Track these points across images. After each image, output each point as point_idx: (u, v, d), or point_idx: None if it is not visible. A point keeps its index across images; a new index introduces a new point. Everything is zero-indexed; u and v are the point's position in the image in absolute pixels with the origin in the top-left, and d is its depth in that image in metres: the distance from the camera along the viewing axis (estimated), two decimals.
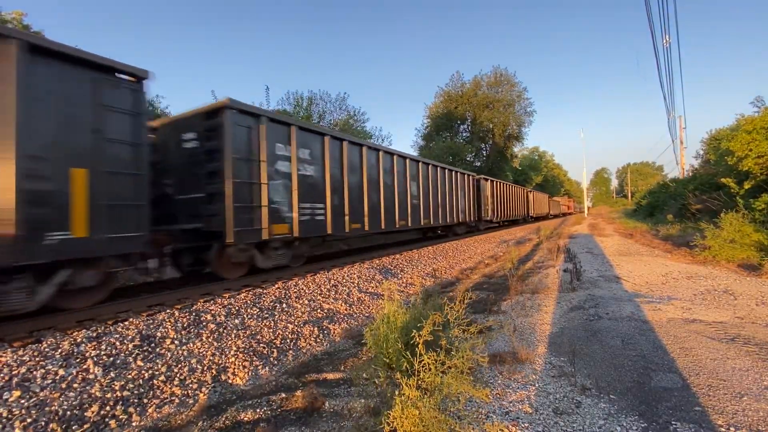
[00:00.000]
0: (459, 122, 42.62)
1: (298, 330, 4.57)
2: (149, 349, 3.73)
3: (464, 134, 43.04)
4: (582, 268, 7.40)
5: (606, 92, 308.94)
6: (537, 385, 2.92)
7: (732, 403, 2.55)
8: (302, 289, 6.17)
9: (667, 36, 17.73)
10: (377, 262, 9.05)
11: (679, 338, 3.77)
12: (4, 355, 3.30)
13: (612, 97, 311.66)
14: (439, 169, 14.14)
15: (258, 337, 4.26)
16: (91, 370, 3.24)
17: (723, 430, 2.27)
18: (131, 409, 2.83)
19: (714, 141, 23.76)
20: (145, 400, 2.96)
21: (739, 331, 3.92)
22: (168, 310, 4.75)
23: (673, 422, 2.36)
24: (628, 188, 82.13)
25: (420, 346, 2.39)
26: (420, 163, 12.74)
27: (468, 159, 39.55)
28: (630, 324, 4.26)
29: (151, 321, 4.34)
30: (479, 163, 41.63)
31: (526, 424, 2.38)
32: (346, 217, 8.68)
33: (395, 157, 11.09)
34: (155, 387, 3.14)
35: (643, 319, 4.45)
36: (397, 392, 2.26)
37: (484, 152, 43.09)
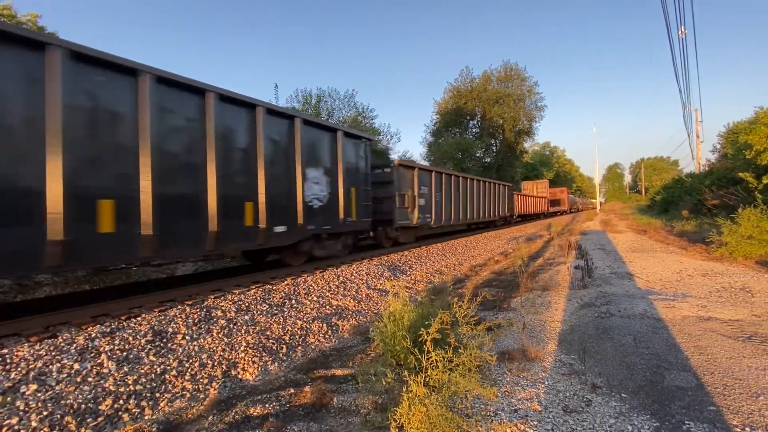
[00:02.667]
0: (468, 118, 42.21)
1: (307, 326, 4.60)
2: (161, 344, 3.79)
3: (474, 130, 42.65)
4: (593, 264, 7.31)
5: (620, 86, 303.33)
6: (546, 383, 2.89)
7: (748, 403, 2.49)
8: (311, 285, 6.20)
9: (682, 27, 17.27)
10: (386, 258, 9.06)
11: (694, 336, 3.69)
12: (21, 349, 3.38)
13: (626, 90, 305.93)
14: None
15: (267, 333, 4.30)
16: (105, 365, 3.31)
17: (738, 430, 2.22)
18: (144, 403, 2.88)
19: (731, 134, 23.21)
20: (157, 394, 3.01)
21: (756, 330, 3.82)
22: (179, 306, 4.82)
23: (686, 422, 2.32)
24: (642, 183, 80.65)
25: (428, 343, 2.38)
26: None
27: (477, 155, 39.21)
28: (642, 322, 4.19)
29: (162, 317, 4.40)
30: (489, 159, 41.25)
31: (535, 422, 2.36)
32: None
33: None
34: (167, 381, 3.19)
35: (656, 316, 4.37)
36: (404, 389, 2.26)
37: (494, 148, 42.67)
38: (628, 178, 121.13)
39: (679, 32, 17.54)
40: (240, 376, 3.40)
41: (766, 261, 7.19)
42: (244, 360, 3.65)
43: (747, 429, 2.22)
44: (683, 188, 23.48)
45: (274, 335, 4.26)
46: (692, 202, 18.12)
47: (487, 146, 41.90)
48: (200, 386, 3.18)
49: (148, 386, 3.09)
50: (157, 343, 3.79)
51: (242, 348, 3.87)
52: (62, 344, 3.54)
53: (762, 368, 2.96)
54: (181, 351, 3.71)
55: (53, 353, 3.38)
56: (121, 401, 2.87)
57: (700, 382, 2.80)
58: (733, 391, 2.65)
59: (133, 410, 2.80)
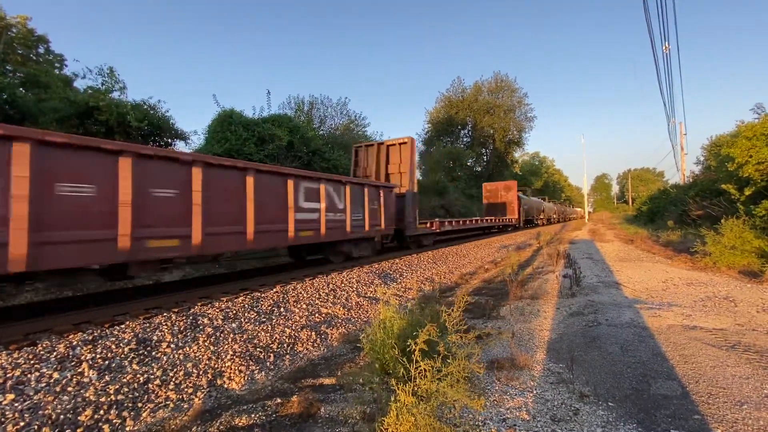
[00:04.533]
0: (460, 127, 42.75)
1: (296, 334, 4.55)
2: (145, 353, 3.71)
3: (465, 139, 43.17)
4: (582, 273, 7.37)
5: (607, 98, 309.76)
6: (535, 392, 2.89)
7: (732, 411, 2.52)
8: (300, 293, 6.15)
9: (666, 42, 17.78)
10: (376, 266, 9.02)
11: (679, 345, 3.74)
12: None
13: (613, 103, 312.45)
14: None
15: (255, 341, 4.24)
16: (85, 374, 3.22)
17: None
18: (125, 414, 2.81)
19: (714, 147, 23.78)
20: (140, 405, 2.94)
21: (739, 339, 3.88)
22: (165, 314, 4.73)
23: (671, 430, 2.33)
24: (629, 194, 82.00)
25: (416, 353, 2.37)
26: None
27: (468, 164, 39.58)
28: (629, 330, 4.23)
29: (147, 324, 4.31)
30: (480, 168, 41.66)
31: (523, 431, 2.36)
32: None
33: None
34: (150, 391, 3.12)
35: (643, 325, 4.42)
36: (392, 398, 2.24)
37: (485, 157, 43.16)
38: (615, 189, 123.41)
39: (663, 47, 18.05)
40: (226, 386, 3.34)
41: (748, 271, 7.34)
42: (231, 369, 3.59)
43: None
44: (668, 199, 23.94)
45: (261, 343, 4.20)
46: (677, 213, 18.48)
47: (478, 155, 42.38)
48: (185, 396, 3.11)
49: (130, 396, 3.01)
50: (140, 352, 3.71)
51: (229, 356, 3.80)
52: (42, 352, 3.44)
53: (745, 377, 3.01)
54: (165, 359, 3.63)
55: (32, 362, 3.28)
56: (101, 412, 2.79)
57: (686, 391, 2.82)
58: (718, 400, 2.68)
59: (114, 421, 2.73)
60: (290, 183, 7.05)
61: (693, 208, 15.92)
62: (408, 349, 2.45)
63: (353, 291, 6.60)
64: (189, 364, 3.57)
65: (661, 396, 2.77)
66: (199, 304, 5.26)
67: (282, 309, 5.34)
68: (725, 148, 12.78)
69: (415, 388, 2.32)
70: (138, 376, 3.29)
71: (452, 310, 2.89)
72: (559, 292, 6.34)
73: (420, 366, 2.36)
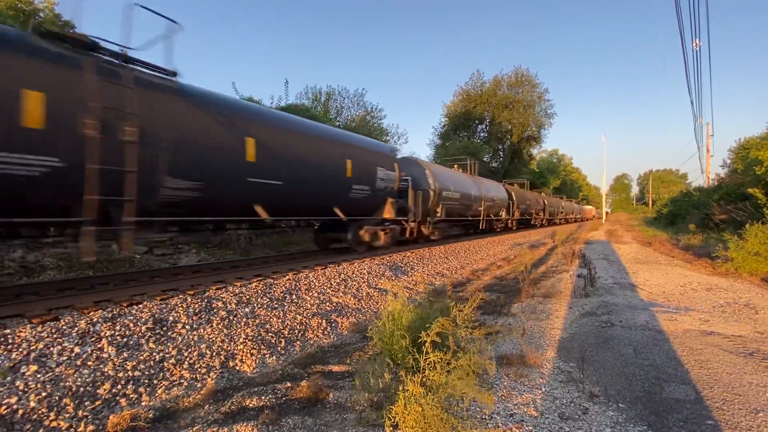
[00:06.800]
0: (477, 122, 42.14)
1: (307, 321, 4.61)
2: (161, 332, 3.81)
3: (482, 134, 42.57)
4: (597, 274, 7.25)
5: (630, 96, 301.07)
6: (544, 389, 2.88)
7: (747, 419, 2.46)
8: (312, 281, 6.21)
9: (697, 39, 17.13)
10: (387, 258, 9.05)
11: (695, 350, 3.66)
12: (24, 330, 3.42)
13: (636, 101, 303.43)
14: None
15: (267, 326, 4.32)
16: (105, 350, 3.34)
17: None
18: (141, 389, 2.90)
19: (742, 149, 22.93)
20: (155, 381, 3.03)
21: (758, 346, 3.78)
22: (181, 296, 4.84)
23: None
24: (650, 195, 79.92)
25: (428, 344, 2.38)
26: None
27: (484, 159, 39.10)
28: (643, 333, 4.15)
29: (164, 305, 4.43)
30: (496, 164, 41.12)
31: (530, 428, 2.35)
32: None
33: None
34: (165, 369, 3.21)
35: (658, 328, 4.34)
36: (400, 388, 2.26)
37: (501, 153, 42.58)
38: (635, 190, 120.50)
39: (694, 44, 17.41)
40: (238, 368, 3.42)
41: None
42: (243, 352, 3.67)
43: None
44: (691, 202, 23.28)
45: (273, 329, 4.27)
46: (699, 216, 17.97)
47: (495, 151, 41.82)
48: (198, 375, 3.20)
49: (146, 373, 3.11)
50: (157, 331, 3.82)
51: (241, 340, 3.88)
52: (64, 327, 3.57)
53: (763, 385, 2.93)
54: (180, 340, 3.73)
55: (55, 336, 3.41)
56: (119, 386, 2.89)
57: (699, 396, 2.77)
58: (733, 406, 2.62)
59: (131, 396, 2.82)
60: None
61: (716, 212, 15.46)
62: (418, 341, 2.46)
63: (364, 282, 6.65)
64: (203, 345, 3.66)
65: (674, 400, 2.72)
66: (213, 287, 5.38)
67: (294, 296, 5.42)
68: (754, 151, 12.35)
69: (424, 379, 2.34)
70: (154, 354, 3.39)
71: (464, 307, 2.89)
72: (572, 291, 6.26)
73: (429, 358, 2.38)
